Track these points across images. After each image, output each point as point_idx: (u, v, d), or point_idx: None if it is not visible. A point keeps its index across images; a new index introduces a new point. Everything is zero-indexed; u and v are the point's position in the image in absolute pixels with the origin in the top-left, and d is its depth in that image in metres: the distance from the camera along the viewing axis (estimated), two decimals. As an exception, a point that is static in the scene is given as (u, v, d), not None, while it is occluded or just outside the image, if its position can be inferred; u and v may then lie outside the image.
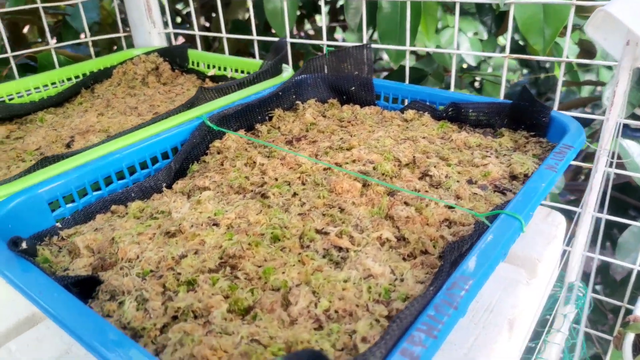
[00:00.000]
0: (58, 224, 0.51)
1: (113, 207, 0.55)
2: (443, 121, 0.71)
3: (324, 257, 0.45)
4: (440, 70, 1.25)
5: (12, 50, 0.97)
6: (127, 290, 0.41)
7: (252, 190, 0.55)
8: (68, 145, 0.71)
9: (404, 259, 0.45)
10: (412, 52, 1.55)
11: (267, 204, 0.52)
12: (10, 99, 0.87)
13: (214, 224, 0.49)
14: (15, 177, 0.51)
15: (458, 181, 0.56)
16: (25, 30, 1.47)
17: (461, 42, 1.63)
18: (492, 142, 0.64)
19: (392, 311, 0.39)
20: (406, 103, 0.77)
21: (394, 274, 0.43)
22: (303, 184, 0.56)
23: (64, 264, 0.46)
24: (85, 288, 0.43)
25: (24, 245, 0.40)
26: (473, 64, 1.62)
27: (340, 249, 0.46)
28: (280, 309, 0.39)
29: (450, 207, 0.51)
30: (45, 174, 0.52)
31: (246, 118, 0.71)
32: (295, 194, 0.54)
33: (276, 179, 0.57)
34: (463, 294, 0.35)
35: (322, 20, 0.98)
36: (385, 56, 2.07)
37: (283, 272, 0.43)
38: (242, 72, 0.96)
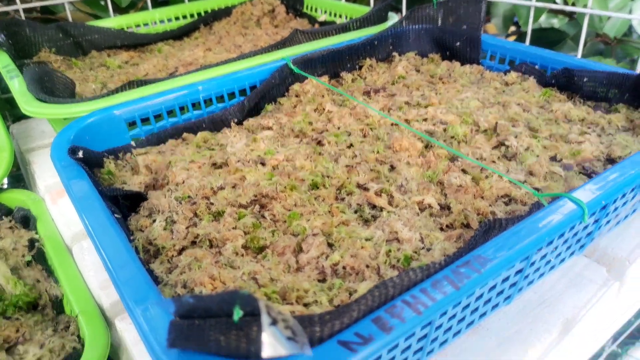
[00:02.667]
0: (133, 143, 0.56)
1: (185, 134, 0.58)
2: (549, 88, 0.62)
3: (355, 212, 0.43)
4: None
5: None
6: (162, 210, 0.44)
7: (310, 136, 0.54)
8: (171, 75, 0.76)
9: (441, 229, 0.41)
10: (557, 14, 1.36)
11: (319, 151, 0.51)
12: (138, 29, 0.96)
13: (260, 163, 0.49)
14: (101, 95, 0.56)
15: (538, 156, 0.48)
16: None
17: (634, 9, 1.39)
18: (600, 118, 0.54)
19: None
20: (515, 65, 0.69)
21: (422, 242, 0.39)
22: (364, 136, 0.54)
23: (124, 178, 0.50)
24: (133, 202, 0.47)
25: (80, 154, 0.44)
26: (645, 34, 1.37)
27: (374, 207, 0.43)
28: (290, 254, 0.38)
29: (514, 183, 0.45)
30: (127, 96, 0.56)
31: (333, 64, 0.69)
32: (350, 145, 0.52)
33: (338, 128, 0.55)
34: (473, 277, 0.31)
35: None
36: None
37: (308, 220, 0.42)
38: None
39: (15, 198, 0.64)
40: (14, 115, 0.94)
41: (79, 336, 0.46)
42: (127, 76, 0.77)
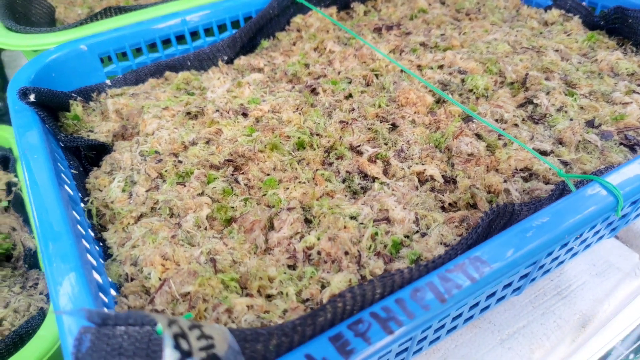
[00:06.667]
0: (108, 82, 0.49)
1: (167, 72, 0.51)
2: (597, 32, 0.52)
3: (343, 181, 0.37)
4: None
5: None
6: (124, 166, 0.38)
7: (305, 82, 0.47)
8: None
9: (442, 208, 0.35)
10: None
11: (311, 101, 0.44)
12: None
13: (242, 113, 0.43)
14: (71, 25, 0.49)
15: (572, 119, 0.40)
16: None
17: None
18: (654, 72, 0.45)
19: (391, 271, 0.30)
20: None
21: (417, 224, 0.33)
22: (367, 84, 0.46)
23: (92, 124, 0.44)
24: (100, 154, 0.41)
25: (31, 97, 0.38)
26: None
27: (365, 176, 0.37)
28: (259, 231, 0.33)
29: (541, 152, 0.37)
30: (101, 26, 0.49)
31: (343, -8, 0.60)
32: (349, 96, 0.44)
33: (339, 73, 0.47)
34: (465, 285, 0.25)
35: None
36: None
37: (287, 188, 0.36)
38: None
39: (-2, 135, 0.59)
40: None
41: (47, 294, 0.43)
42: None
